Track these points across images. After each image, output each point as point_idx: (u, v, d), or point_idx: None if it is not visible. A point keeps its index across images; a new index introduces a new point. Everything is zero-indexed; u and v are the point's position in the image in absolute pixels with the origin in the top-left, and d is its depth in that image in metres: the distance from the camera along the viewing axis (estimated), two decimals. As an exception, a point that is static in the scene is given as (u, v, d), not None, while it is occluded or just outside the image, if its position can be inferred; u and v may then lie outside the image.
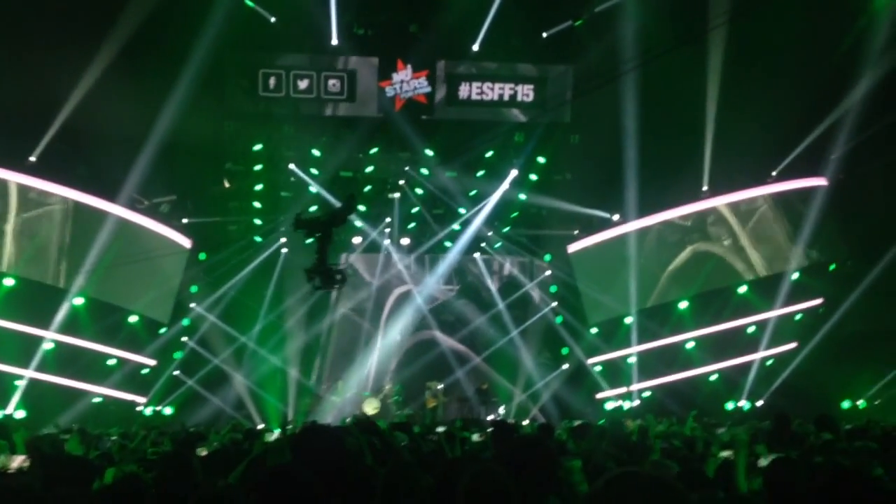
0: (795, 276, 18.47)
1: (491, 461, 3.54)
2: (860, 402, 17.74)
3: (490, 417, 19.38)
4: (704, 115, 17.59)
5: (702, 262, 19.20)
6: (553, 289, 21.86)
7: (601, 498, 1.67)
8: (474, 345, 21.75)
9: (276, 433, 11.49)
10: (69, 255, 16.90)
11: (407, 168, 20.25)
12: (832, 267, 18.92)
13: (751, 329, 18.80)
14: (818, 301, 18.66)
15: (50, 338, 16.37)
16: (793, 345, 18.68)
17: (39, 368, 16.23)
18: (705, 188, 18.89)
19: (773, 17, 15.08)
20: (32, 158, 16.41)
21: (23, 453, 6.87)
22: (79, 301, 16.77)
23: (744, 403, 18.73)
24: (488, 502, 3.26)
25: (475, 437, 9.14)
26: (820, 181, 18.54)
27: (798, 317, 18.82)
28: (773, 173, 18.78)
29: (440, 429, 9.97)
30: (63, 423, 13.93)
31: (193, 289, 19.82)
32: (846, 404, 17.71)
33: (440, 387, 20.43)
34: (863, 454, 6.08)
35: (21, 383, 16.04)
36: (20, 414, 15.76)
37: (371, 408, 19.43)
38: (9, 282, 15.92)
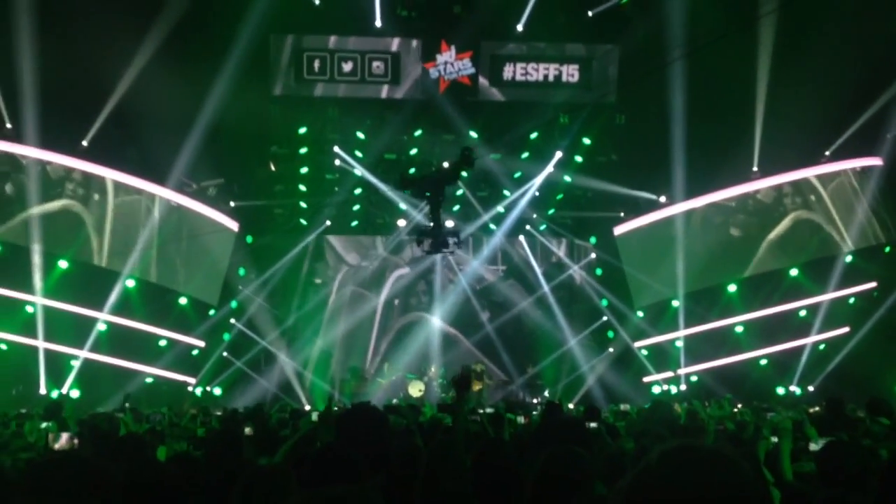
0: (849, 258, 18.06)
1: (565, 445, 3.50)
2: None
3: (535, 401, 19.34)
4: (754, 94, 17.22)
5: (753, 243, 18.86)
6: (598, 271, 21.68)
7: (657, 471, 1.61)
8: (519, 327, 21.68)
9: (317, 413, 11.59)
10: (121, 238, 17.21)
11: (451, 150, 20.18)
12: (887, 249, 18.45)
13: (802, 313, 18.44)
14: (872, 284, 18.23)
15: (103, 319, 16.73)
16: (845, 329, 18.28)
17: (93, 349, 16.60)
18: (755, 169, 18.52)
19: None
20: (84, 143, 16.75)
21: (72, 431, 7.02)
22: (130, 283, 17.09)
23: (795, 388, 18.41)
24: (563, 484, 3.23)
25: (519, 420, 9.14)
26: (875, 161, 18.06)
27: (851, 300, 18.41)
28: (827, 153, 18.34)
29: (488, 410, 9.98)
30: (117, 402, 14.24)
31: (241, 271, 20.08)
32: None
33: (485, 369, 20.43)
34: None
35: (76, 363, 16.43)
36: (75, 393, 16.16)
37: (416, 390, 19.54)
38: (63, 264, 16.27)
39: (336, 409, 13.52)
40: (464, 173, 10.87)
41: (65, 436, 6.51)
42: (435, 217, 10.11)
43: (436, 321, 21.30)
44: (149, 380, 17.67)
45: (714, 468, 1.58)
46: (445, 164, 10.82)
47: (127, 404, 10.20)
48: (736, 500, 1.57)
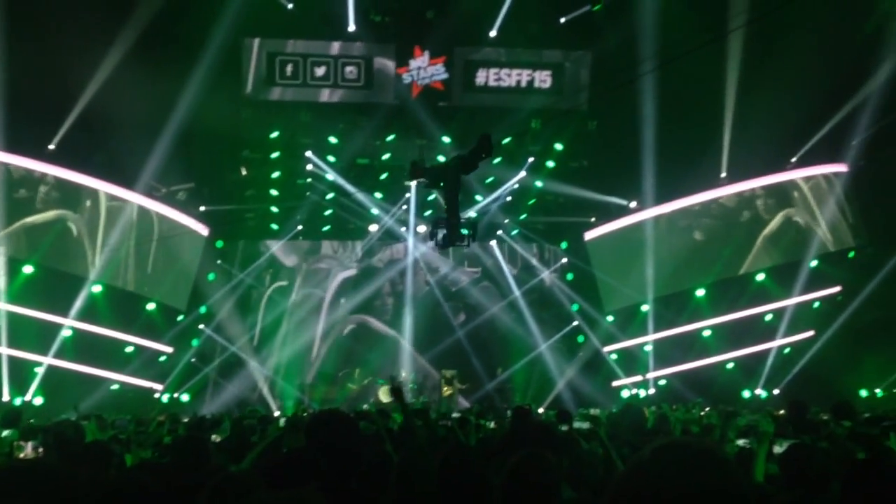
0: (814, 263, 18.33)
1: (536, 447, 3.51)
2: (878, 391, 17.60)
3: (505, 405, 19.37)
4: (723, 101, 17.45)
5: (720, 248, 19.08)
6: (569, 276, 21.80)
7: (647, 468, 1.63)
8: (490, 332, 21.74)
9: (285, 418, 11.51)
10: (87, 243, 17.01)
11: (424, 155, 20.17)
12: (851, 254, 18.76)
13: (768, 317, 18.68)
14: (836, 289, 18.51)
15: (68, 325, 16.52)
16: (810, 333, 18.55)
17: (58, 355, 16.37)
18: (724, 175, 18.75)
19: (793, 3, 14.89)
20: (52, 146, 16.53)
21: (33, 440, 6.92)
22: (97, 289, 16.89)
23: (761, 391, 18.64)
24: (532, 488, 3.24)
25: (490, 425, 9.15)
26: (840, 167, 18.37)
27: (816, 305, 18.69)
28: (793, 159, 18.62)
29: (455, 415, 9.98)
30: (82, 409, 14.05)
31: (211, 276, 19.94)
32: (864, 393, 17.57)
33: (455, 374, 20.45)
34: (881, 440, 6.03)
35: (40, 370, 16.19)
36: (38, 401, 15.92)
37: (386, 395, 19.49)
38: (28, 269, 16.04)
39: (305, 415, 13.48)
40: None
41: (30, 444, 6.43)
42: (452, 208, 9.66)
43: (406, 327, 21.27)
44: (115, 387, 17.46)
45: (705, 464, 1.61)
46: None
47: (76, 414, 10.06)
48: (725, 496, 1.59)
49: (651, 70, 14.95)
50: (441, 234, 9.71)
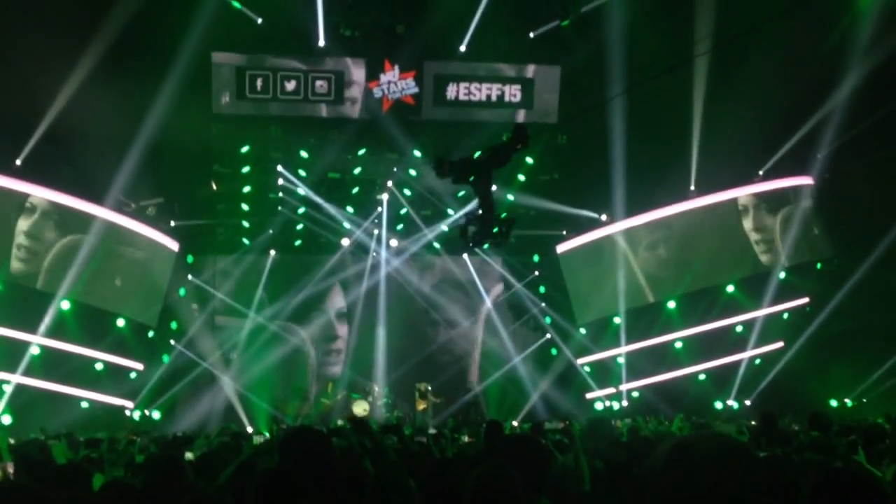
0: (782, 275, 18.57)
1: (497, 461, 3.53)
2: (847, 401, 17.84)
3: (479, 418, 19.37)
4: (691, 114, 17.67)
5: (690, 260, 19.26)
6: (542, 289, 21.88)
7: (674, 459, 1.66)
8: (464, 345, 21.75)
9: (265, 436, 11.43)
10: (55, 259, 16.79)
11: (395, 169, 20.22)
12: (819, 265, 19.03)
13: (739, 328, 18.88)
14: (805, 300, 18.76)
15: (36, 342, 16.26)
16: (780, 344, 18.77)
17: (26, 373, 16.09)
18: (692, 188, 18.96)
19: (759, 17, 15.15)
20: (18, 162, 16.32)
21: (7, 460, 6.81)
22: (65, 305, 16.66)
23: (733, 403, 18.81)
24: (496, 502, 3.25)
25: (465, 439, 9.16)
26: (806, 180, 18.65)
27: (785, 316, 18.92)
28: (760, 172, 18.89)
29: (431, 430, 9.97)
30: (50, 428, 13.84)
31: (181, 292, 19.76)
32: (833, 403, 17.81)
33: (429, 388, 20.42)
34: (849, 451, 6.12)
35: (7, 389, 15.91)
36: (6, 419, 15.64)
37: (360, 409, 19.40)
38: (-7, 286, 15.82)
39: (279, 428, 13.38)
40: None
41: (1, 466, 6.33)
42: (486, 204, 9.17)
43: (379, 340, 21.20)
44: (85, 405, 17.22)
45: (730, 454, 1.65)
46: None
47: (43, 435, 9.92)
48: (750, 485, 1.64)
49: (620, 94, 15.16)
50: (472, 231, 9.30)
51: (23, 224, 16.46)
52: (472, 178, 9.23)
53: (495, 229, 9.18)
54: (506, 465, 3.44)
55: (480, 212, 9.38)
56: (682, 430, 10.33)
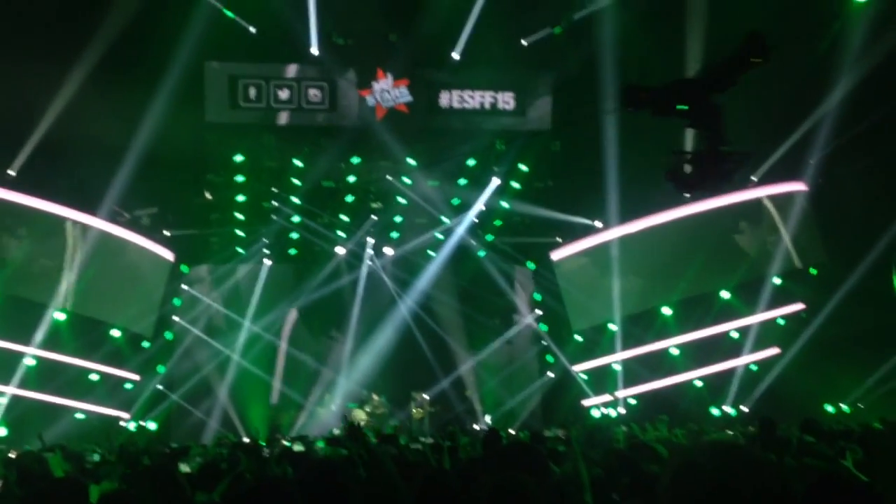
0: (777, 280, 18.58)
1: (516, 470, 3.51)
2: (844, 406, 17.84)
3: (476, 427, 19.35)
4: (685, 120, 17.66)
5: (686, 266, 19.26)
6: (537, 296, 21.88)
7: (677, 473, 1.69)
8: (460, 353, 21.71)
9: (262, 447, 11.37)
10: (50, 270, 16.75)
11: (389, 177, 20.21)
12: (813, 271, 19.05)
13: (734, 334, 18.89)
14: (800, 305, 18.77)
15: (31, 353, 16.22)
16: (775, 350, 18.78)
17: (21, 385, 16.07)
18: (687, 195, 18.96)
19: (750, 21, 15.20)
20: (12, 172, 16.28)
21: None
22: (60, 316, 16.61)
23: (729, 409, 18.80)
24: None
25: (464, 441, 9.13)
26: (799, 186, 18.69)
27: (781, 322, 18.93)
28: (754, 178, 18.91)
29: (427, 440, 9.94)
30: (47, 440, 13.79)
31: (176, 302, 19.74)
32: (830, 408, 17.81)
33: (426, 397, 20.40)
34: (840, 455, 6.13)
35: (2, 400, 15.87)
36: (2, 432, 15.59)
37: (357, 419, 19.35)
38: (-12, 298, 15.78)
39: (282, 441, 13.34)
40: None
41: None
42: (715, 137, 6.84)
43: (374, 349, 21.14)
44: (80, 416, 17.16)
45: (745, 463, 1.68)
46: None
47: (41, 445, 9.88)
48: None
49: (611, 111, 15.16)
50: (689, 171, 7.16)
51: (12, 236, 16.45)
52: (684, 108, 7.15)
53: (724, 167, 6.87)
54: (522, 475, 3.43)
55: (709, 147, 7.05)
56: (678, 437, 10.32)
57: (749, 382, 18.87)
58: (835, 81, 16.19)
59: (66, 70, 15.44)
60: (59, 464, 7.15)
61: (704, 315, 18.83)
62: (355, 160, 19.91)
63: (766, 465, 1.76)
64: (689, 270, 19.13)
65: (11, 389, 15.95)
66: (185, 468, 7.51)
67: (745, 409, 18.69)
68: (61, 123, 15.65)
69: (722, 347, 18.85)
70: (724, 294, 18.92)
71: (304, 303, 20.70)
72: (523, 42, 18.73)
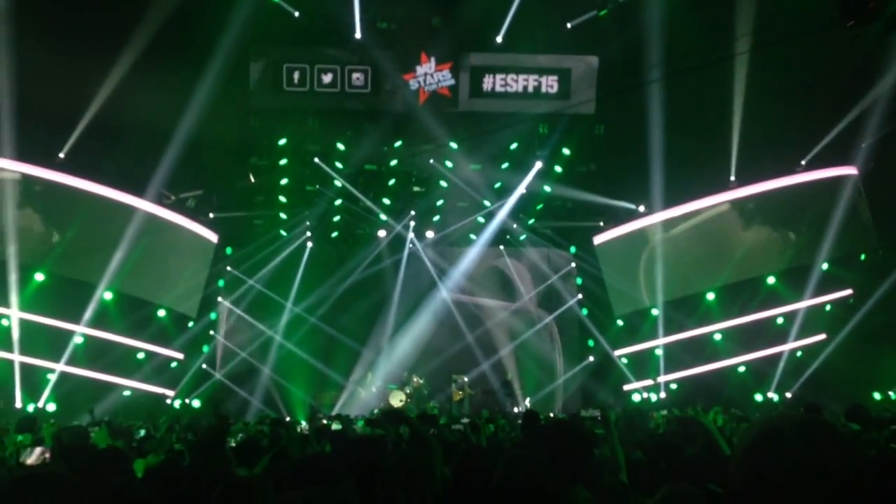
0: (825, 266, 18.22)
1: (525, 450, 3.51)
2: (892, 394, 17.48)
3: (515, 409, 19.38)
4: (731, 103, 17.38)
5: (731, 251, 19.01)
6: (579, 281, 21.78)
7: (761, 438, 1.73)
8: (500, 336, 21.71)
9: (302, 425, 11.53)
10: (98, 251, 17.08)
11: (431, 161, 20.21)
12: (862, 257, 18.65)
13: (779, 320, 18.59)
14: (848, 292, 18.40)
15: (80, 332, 16.60)
16: (822, 336, 18.45)
17: (70, 362, 16.46)
18: (733, 178, 18.69)
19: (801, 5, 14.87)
20: (61, 155, 16.63)
21: (48, 446, 6.96)
22: (108, 296, 16.96)
23: (773, 395, 18.55)
24: (523, 490, 3.22)
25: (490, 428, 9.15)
26: (850, 170, 18.28)
27: (827, 308, 18.58)
28: (803, 162, 18.54)
29: (465, 420, 9.99)
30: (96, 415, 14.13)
31: (220, 283, 20.04)
32: (877, 395, 17.46)
33: (465, 379, 20.46)
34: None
35: (52, 377, 16.28)
36: (51, 407, 16.01)
37: (397, 400, 19.50)
38: (39, 277, 16.13)
39: (322, 420, 13.49)
40: None
41: (37, 450, 6.46)
42: None
43: (416, 331, 21.24)
44: (126, 393, 17.54)
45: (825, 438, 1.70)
46: None
47: (90, 419, 10.08)
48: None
49: (657, 79, 14.94)
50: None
51: (62, 217, 16.79)
52: None
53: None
54: (534, 452, 3.42)
55: None
56: (722, 421, 10.21)
57: (794, 369, 18.58)
58: (888, 62, 15.78)
59: (115, 55, 15.67)
60: (104, 438, 7.33)
61: (749, 300, 18.56)
62: (398, 144, 19.97)
63: (853, 442, 1.77)
64: (735, 255, 18.87)
65: (60, 366, 16.33)
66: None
67: (788, 395, 18.42)
68: (110, 107, 15.91)
69: (766, 333, 18.57)
70: (770, 279, 18.61)
71: (346, 285, 20.80)
72: (567, 25, 18.55)
